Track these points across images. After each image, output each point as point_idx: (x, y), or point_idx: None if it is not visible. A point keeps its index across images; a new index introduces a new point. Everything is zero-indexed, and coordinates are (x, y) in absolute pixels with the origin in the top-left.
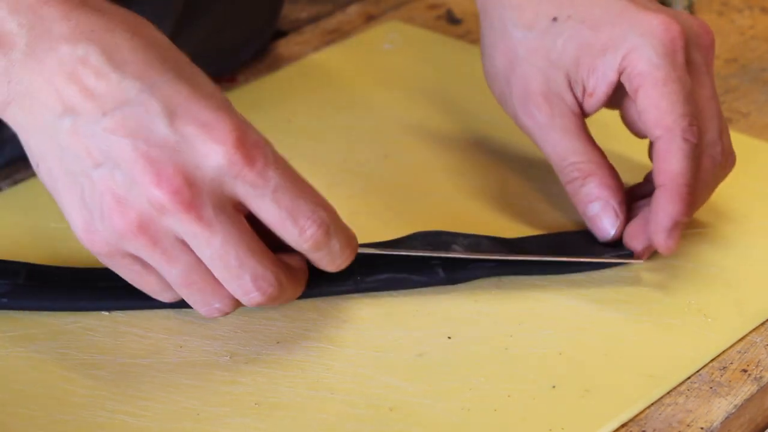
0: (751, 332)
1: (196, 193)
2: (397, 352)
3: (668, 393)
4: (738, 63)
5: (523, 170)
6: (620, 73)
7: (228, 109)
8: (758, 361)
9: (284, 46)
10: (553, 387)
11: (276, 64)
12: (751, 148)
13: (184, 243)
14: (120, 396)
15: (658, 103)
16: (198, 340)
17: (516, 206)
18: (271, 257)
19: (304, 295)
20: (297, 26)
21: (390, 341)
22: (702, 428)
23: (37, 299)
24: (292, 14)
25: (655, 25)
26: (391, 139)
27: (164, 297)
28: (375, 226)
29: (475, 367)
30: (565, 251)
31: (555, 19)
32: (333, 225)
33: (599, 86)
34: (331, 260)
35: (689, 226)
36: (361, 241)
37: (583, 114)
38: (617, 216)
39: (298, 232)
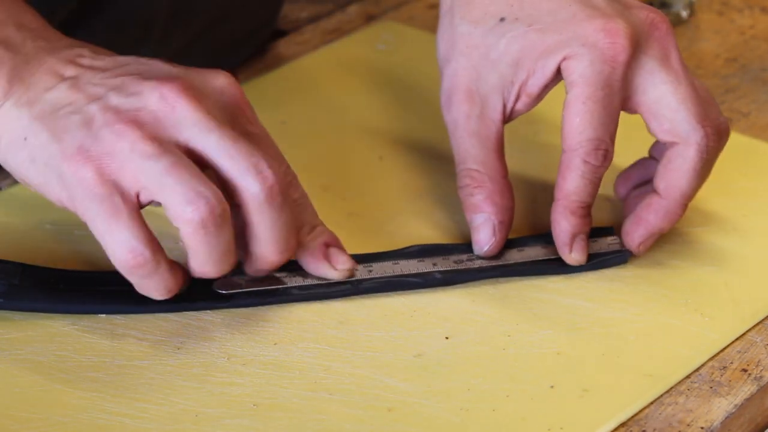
0: (750, 331)
1: (203, 97)
2: (395, 353)
3: (668, 392)
4: (738, 63)
5: (519, 170)
6: (557, 73)
7: (197, 72)
8: (758, 361)
9: (284, 45)
10: (552, 387)
11: (276, 64)
12: (752, 148)
13: (179, 144)
14: (118, 398)
15: (572, 119)
16: (195, 342)
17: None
18: None
19: (302, 299)
20: (297, 26)
21: (388, 342)
22: (702, 428)
23: (33, 300)
24: (292, 14)
25: (601, 37)
26: (386, 140)
27: (128, 248)
28: (370, 228)
29: (474, 368)
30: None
31: (502, 19)
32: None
33: (532, 87)
34: (309, 215)
35: (688, 225)
36: (358, 241)
37: (504, 120)
38: (493, 234)
39: (282, 175)
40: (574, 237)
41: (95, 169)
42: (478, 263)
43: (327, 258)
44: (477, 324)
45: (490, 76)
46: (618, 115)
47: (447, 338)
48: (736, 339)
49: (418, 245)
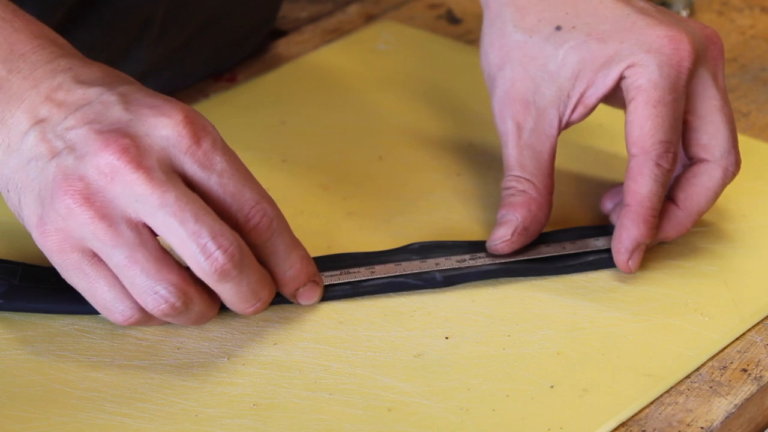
0: (750, 331)
1: (144, 155)
2: (394, 353)
3: (668, 392)
4: (738, 63)
5: None
6: (618, 82)
7: (181, 103)
8: (758, 361)
9: (284, 45)
10: (552, 387)
11: (276, 64)
12: (751, 147)
13: (131, 220)
14: (118, 398)
15: (643, 123)
16: (195, 341)
17: None
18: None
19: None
20: (297, 26)
21: (388, 342)
22: (702, 428)
23: (33, 300)
24: (292, 14)
25: (665, 42)
26: (386, 140)
27: (116, 310)
28: (369, 227)
29: (473, 368)
30: (561, 241)
31: (558, 27)
32: (277, 220)
33: (590, 98)
34: (278, 259)
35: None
36: (357, 241)
37: (559, 133)
38: (512, 235)
39: (242, 219)
40: (638, 246)
41: (57, 242)
42: (480, 262)
43: (295, 298)
44: (477, 324)
45: (549, 88)
46: (682, 119)
47: (447, 338)
48: (736, 339)
49: (418, 243)
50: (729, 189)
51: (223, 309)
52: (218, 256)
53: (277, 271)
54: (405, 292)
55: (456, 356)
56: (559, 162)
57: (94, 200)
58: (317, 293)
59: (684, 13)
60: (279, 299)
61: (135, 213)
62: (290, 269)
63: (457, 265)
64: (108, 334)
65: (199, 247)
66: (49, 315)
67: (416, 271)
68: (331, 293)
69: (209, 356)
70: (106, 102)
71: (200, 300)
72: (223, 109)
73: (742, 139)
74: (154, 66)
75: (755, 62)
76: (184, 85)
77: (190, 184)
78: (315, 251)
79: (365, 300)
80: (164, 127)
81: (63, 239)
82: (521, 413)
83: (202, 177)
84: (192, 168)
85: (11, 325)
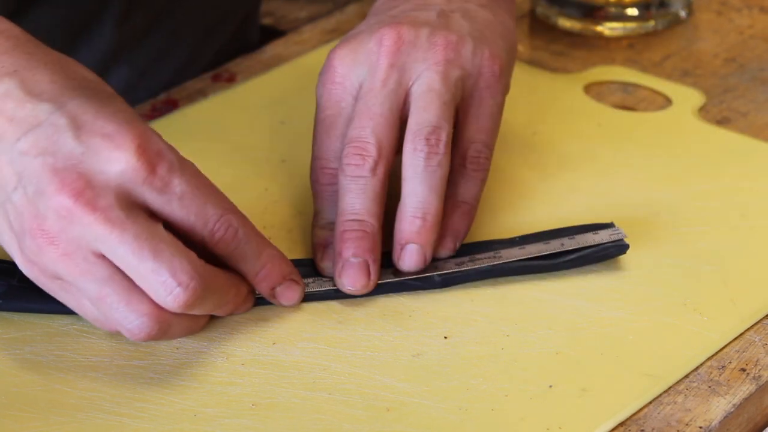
0: (749, 331)
1: (100, 194)
2: (394, 353)
3: (667, 392)
4: (737, 62)
5: (518, 170)
6: None
7: (134, 122)
8: (757, 360)
9: (283, 45)
10: (551, 386)
11: (275, 64)
12: (750, 147)
13: (98, 255)
14: (117, 398)
15: None
16: (194, 341)
17: (512, 206)
18: (190, 253)
19: (303, 300)
20: (296, 26)
21: (387, 342)
22: (701, 427)
23: (33, 300)
24: (291, 14)
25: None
26: None
27: (109, 326)
28: None
29: (472, 367)
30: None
31: None
32: (243, 228)
33: None
34: (248, 263)
35: (688, 225)
36: None
37: None
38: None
39: (208, 235)
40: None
41: (37, 272)
42: (478, 264)
43: (275, 299)
44: (476, 324)
45: None
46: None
47: (446, 338)
48: (735, 338)
49: None
50: (729, 189)
51: None
52: (179, 293)
53: (249, 274)
54: (404, 292)
55: (455, 356)
56: (557, 162)
57: (58, 241)
58: (297, 292)
59: (683, 13)
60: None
61: (98, 250)
62: (261, 269)
63: (456, 269)
64: (107, 334)
65: (159, 284)
66: (49, 315)
67: (414, 278)
68: (329, 294)
69: (208, 356)
70: (57, 126)
71: (178, 320)
72: (223, 109)
73: (740, 138)
74: (123, 45)
75: (754, 62)
76: (162, 71)
77: (153, 212)
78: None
79: (364, 300)
80: (118, 161)
81: (40, 271)
82: (520, 413)
83: (162, 203)
84: (152, 197)
85: (11, 325)
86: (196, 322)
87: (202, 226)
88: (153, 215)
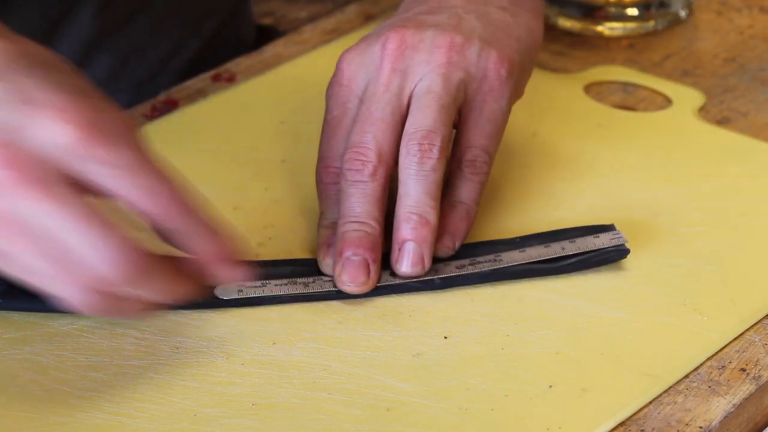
0: (749, 331)
1: (37, 167)
2: (393, 353)
3: (667, 392)
4: (737, 62)
5: (517, 170)
6: None
7: (81, 94)
8: (757, 360)
9: (283, 45)
10: (550, 386)
11: (275, 64)
12: (750, 147)
13: (31, 227)
14: (117, 398)
15: None
16: (194, 341)
17: (512, 206)
18: (123, 229)
19: (301, 299)
20: (296, 26)
21: (387, 341)
22: (701, 427)
23: (32, 300)
24: (291, 14)
25: None
26: None
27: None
28: None
29: (472, 367)
30: (558, 239)
31: None
32: (187, 205)
33: None
34: (192, 239)
35: (688, 225)
36: None
37: None
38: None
39: (153, 210)
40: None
41: None
42: (479, 268)
43: (218, 277)
44: (476, 324)
45: None
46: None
47: (446, 338)
48: (735, 338)
49: None
50: (729, 189)
51: (223, 307)
52: (111, 266)
53: (194, 250)
54: (404, 293)
55: (455, 356)
56: (557, 162)
57: None
58: (239, 272)
59: (683, 13)
60: (284, 301)
61: (31, 222)
62: (207, 245)
63: (456, 272)
64: (107, 333)
65: (93, 257)
66: (49, 315)
67: (414, 281)
68: (330, 295)
69: (208, 356)
70: (0, 99)
71: (119, 298)
72: (223, 109)
73: (740, 138)
74: (105, 33)
75: (754, 62)
76: (144, 60)
77: (94, 186)
78: (315, 253)
79: (364, 300)
80: (58, 133)
81: None
82: (520, 413)
83: (108, 176)
84: (96, 168)
85: (10, 325)
86: (140, 304)
87: (146, 201)
88: (91, 189)
